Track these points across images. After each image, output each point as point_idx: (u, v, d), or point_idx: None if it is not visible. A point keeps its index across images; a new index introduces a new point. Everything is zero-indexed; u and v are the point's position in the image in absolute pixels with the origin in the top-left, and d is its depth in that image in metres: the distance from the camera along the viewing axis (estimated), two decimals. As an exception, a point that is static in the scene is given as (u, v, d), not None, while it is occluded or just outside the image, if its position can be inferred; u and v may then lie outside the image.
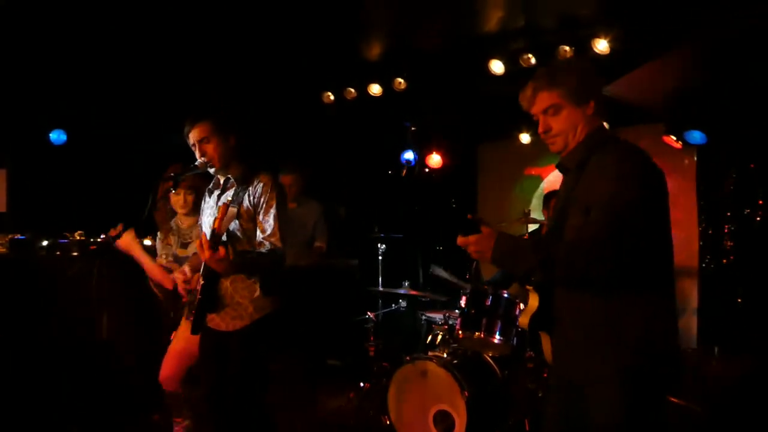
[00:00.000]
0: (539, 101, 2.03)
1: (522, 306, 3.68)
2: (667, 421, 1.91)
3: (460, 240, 1.92)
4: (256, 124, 5.06)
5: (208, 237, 2.44)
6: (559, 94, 1.99)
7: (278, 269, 2.70)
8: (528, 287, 2.13)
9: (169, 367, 3.42)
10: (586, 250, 1.77)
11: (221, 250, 2.41)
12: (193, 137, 2.74)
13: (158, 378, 3.46)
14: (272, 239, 2.65)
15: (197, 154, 2.75)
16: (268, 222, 2.66)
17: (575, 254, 1.79)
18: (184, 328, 3.39)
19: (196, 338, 3.23)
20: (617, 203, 1.78)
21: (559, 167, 2.11)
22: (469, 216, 1.94)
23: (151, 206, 3.14)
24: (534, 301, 2.11)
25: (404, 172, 1.89)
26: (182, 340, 3.39)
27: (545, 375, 3.75)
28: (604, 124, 2.07)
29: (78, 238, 4.19)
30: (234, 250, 2.63)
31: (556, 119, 2.01)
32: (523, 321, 2.14)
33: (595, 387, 1.89)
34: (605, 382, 1.85)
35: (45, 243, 4.19)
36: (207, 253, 2.41)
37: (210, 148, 2.73)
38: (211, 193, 2.93)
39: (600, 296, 1.86)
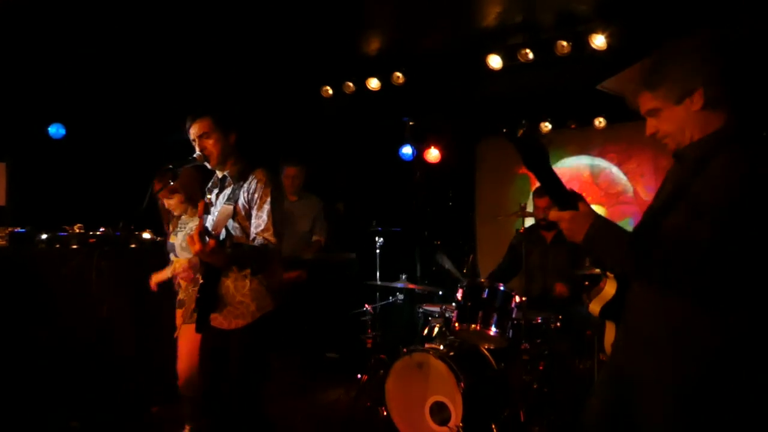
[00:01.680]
0: (641, 104, 1.88)
1: (518, 298, 3.72)
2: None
3: (554, 214, 1.79)
4: (256, 119, 5.08)
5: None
6: (655, 96, 1.82)
7: (272, 263, 2.69)
8: (609, 273, 2.02)
9: (185, 370, 3.44)
10: (687, 256, 1.62)
11: (211, 242, 2.39)
12: (194, 132, 2.76)
13: (179, 386, 3.47)
14: (265, 234, 2.63)
15: (197, 149, 2.77)
16: (262, 217, 2.65)
17: (675, 258, 1.64)
18: (185, 328, 3.42)
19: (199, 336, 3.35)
20: (734, 213, 1.60)
21: (675, 155, 1.90)
22: (569, 188, 1.77)
23: (147, 201, 3.18)
24: (611, 288, 1.99)
25: (521, 132, 1.71)
26: (188, 340, 3.40)
27: (541, 367, 3.79)
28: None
29: (77, 231, 4.21)
30: (230, 243, 2.64)
31: (660, 121, 1.84)
32: (594, 307, 2.02)
33: (654, 389, 1.75)
34: (667, 387, 1.72)
35: (44, 236, 4.20)
36: (198, 246, 2.39)
37: (210, 143, 2.75)
38: (210, 191, 2.94)
39: (687, 300, 1.70)
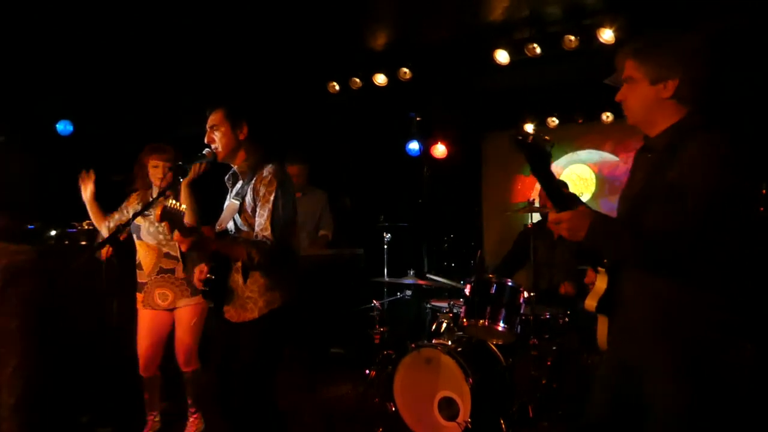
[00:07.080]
0: (625, 68, 1.92)
1: (526, 294, 3.72)
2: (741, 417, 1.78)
3: (553, 216, 1.82)
4: (262, 114, 5.07)
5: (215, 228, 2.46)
6: (636, 67, 1.87)
7: (268, 261, 2.61)
8: (600, 269, 2.03)
9: (145, 349, 3.55)
10: (690, 239, 1.69)
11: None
12: (208, 123, 2.75)
13: (140, 369, 3.56)
14: (264, 233, 2.59)
15: (207, 141, 2.76)
16: (263, 215, 2.62)
17: (679, 243, 1.71)
18: (143, 312, 3.57)
19: (158, 318, 3.54)
20: (716, 193, 1.69)
21: (644, 147, 1.99)
22: (565, 190, 1.82)
23: (158, 195, 3.17)
24: (602, 283, 2.01)
25: (530, 138, 1.78)
26: (146, 322, 3.56)
27: (549, 363, 3.78)
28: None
29: (86, 227, 4.22)
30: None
31: (630, 91, 1.90)
32: (590, 303, 2.03)
33: (658, 374, 1.80)
34: (670, 370, 1.77)
35: (53, 232, 4.22)
36: (176, 234, 2.42)
37: (218, 135, 2.71)
38: (228, 184, 2.93)
39: (681, 284, 1.77)
